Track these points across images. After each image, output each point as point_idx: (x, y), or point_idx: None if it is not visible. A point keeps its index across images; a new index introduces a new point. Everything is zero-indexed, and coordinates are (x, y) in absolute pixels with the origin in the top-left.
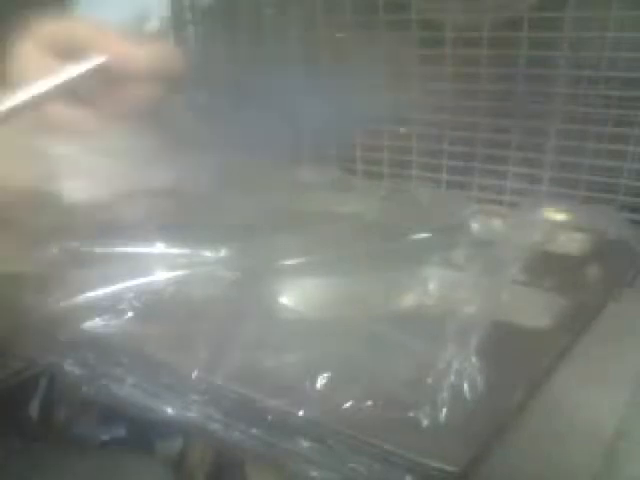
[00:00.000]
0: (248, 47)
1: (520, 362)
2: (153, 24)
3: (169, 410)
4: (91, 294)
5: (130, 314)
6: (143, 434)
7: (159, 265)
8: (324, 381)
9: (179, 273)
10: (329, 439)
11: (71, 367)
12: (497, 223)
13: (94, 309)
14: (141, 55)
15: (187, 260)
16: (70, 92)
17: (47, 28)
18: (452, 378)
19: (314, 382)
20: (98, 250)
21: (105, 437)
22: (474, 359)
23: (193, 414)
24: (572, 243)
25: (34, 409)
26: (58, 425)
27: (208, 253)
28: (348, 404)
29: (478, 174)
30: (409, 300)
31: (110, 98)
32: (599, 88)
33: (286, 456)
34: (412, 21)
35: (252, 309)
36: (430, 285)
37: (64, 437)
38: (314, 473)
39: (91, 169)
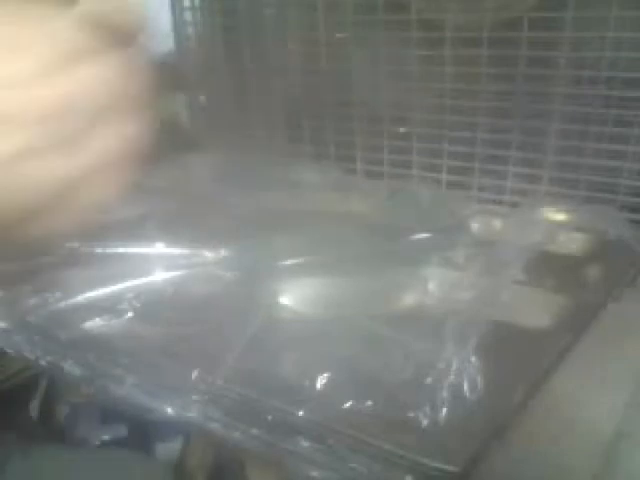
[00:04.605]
0: (248, 47)
1: (520, 362)
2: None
3: (169, 410)
4: (91, 294)
5: (130, 314)
6: (143, 434)
7: (159, 265)
8: (324, 381)
9: (179, 273)
10: (329, 439)
11: (71, 367)
12: (497, 223)
13: (94, 309)
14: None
15: (187, 260)
16: None
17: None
18: (452, 378)
19: (314, 382)
20: (98, 250)
21: (105, 437)
22: (474, 359)
23: (193, 414)
24: (572, 243)
25: (34, 409)
26: (58, 425)
27: (208, 253)
28: (348, 404)
29: (478, 174)
30: (409, 300)
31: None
32: (599, 88)
33: (286, 456)
34: (412, 21)
35: (252, 309)
36: (430, 285)
37: (64, 437)
38: (314, 473)
39: None
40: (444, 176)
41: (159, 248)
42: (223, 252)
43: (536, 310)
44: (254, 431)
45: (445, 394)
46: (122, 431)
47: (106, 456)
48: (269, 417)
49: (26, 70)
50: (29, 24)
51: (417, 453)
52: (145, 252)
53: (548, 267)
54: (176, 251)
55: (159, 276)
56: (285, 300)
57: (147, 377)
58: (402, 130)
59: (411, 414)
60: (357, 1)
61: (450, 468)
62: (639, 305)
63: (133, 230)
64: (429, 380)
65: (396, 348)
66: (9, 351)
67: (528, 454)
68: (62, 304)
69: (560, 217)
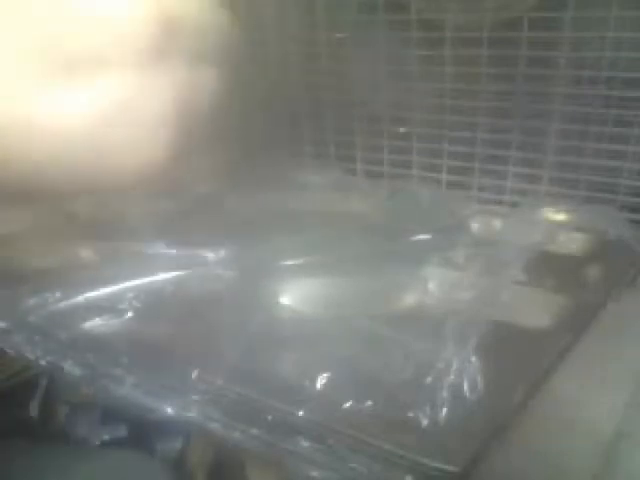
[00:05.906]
0: (248, 47)
1: (520, 362)
2: None
3: (169, 410)
4: (91, 294)
5: (130, 314)
6: (143, 434)
7: (159, 265)
8: (324, 381)
9: (179, 273)
10: (329, 439)
11: (71, 367)
12: (497, 223)
13: (94, 309)
14: None
15: (187, 260)
16: None
17: None
18: (452, 378)
19: (314, 382)
20: (98, 250)
21: (105, 437)
22: (474, 359)
23: (193, 414)
24: (572, 243)
25: (34, 409)
26: (58, 425)
27: (208, 253)
28: (348, 404)
29: (478, 174)
30: (409, 300)
31: None
32: (599, 88)
33: (286, 456)
34: (412, 21)
35: (252, 309)
36: (430, 285)
37: (64, 437)
38: (314, 473)
39: None
40: (444, 176)
41: (159, 248)
42: (223, 252)
43: (536, 310)
44: (254, 431)
45: (445, 394)
46: (122, 431)
47: (106, 456)
48: (269, 417)
49: None
50: None
51: (417, 453)
52: (145, 252)
53: (548, 267)
54: (176, 251)
55: (159, 276)
56: (285, 300)
57: (147, 377)
58: (402, 130)
59: (411, 414)
60: (357, 1)
61: (450, 468)
62: (639, 305)
63: (133, 230)
64: (429, 380)
65: (396, 348)
66: (9, 351)
67: (528, 454)
68: (62, 304)
69: (560, 217)
